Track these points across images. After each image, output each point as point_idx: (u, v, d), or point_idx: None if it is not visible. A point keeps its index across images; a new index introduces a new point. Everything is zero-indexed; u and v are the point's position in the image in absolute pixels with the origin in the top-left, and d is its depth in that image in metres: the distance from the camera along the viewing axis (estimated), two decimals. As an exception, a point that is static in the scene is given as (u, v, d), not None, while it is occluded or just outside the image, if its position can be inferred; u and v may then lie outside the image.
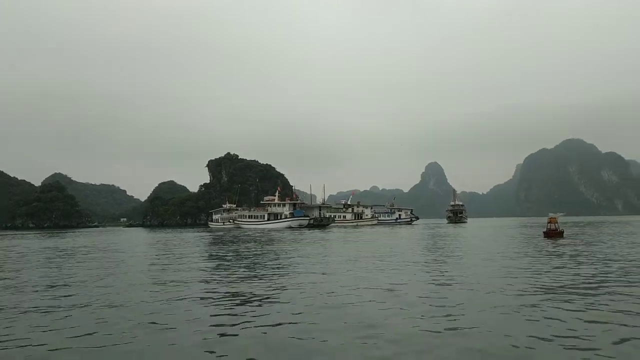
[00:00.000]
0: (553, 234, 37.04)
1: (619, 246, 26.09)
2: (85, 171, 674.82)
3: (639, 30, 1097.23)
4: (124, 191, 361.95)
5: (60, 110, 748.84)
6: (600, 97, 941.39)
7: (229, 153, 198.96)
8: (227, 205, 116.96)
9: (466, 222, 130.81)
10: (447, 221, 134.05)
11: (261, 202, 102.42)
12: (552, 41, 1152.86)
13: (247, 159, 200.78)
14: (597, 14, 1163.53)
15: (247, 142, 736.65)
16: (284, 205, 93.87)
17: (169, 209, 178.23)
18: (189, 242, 41.81)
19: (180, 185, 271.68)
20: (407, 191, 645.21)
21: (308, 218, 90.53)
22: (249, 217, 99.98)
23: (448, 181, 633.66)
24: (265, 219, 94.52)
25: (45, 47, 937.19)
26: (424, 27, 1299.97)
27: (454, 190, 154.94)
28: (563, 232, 38.02)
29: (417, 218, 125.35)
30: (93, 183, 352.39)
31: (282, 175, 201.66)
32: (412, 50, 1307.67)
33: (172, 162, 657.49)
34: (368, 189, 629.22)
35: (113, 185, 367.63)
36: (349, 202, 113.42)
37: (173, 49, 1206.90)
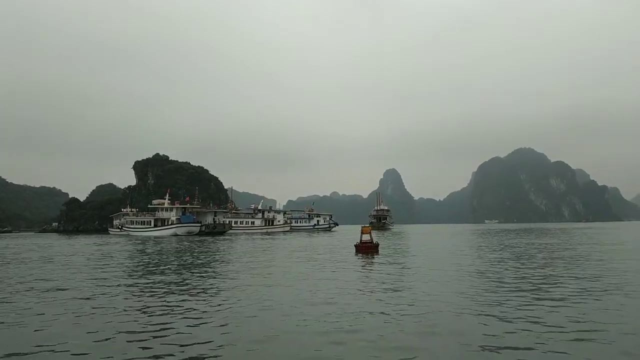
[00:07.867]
0: (365, 248, 30.66)
1: (418, 272, 19.03)
2: (27, 172, 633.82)
3: (587, 45, 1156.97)
4: (66, 194, 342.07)
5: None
6: (551, 109, 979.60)
7: (157, 154, 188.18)
8: (127, 210, 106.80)
9: (391, 228, 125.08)
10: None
11: (149, 205, 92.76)
12: (507, 57, 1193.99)
13: (179, 161, 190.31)
14: (549, 28, 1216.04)
15: (203, 146, 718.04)
16: (171, 210, 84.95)
17: (86, 213, 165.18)
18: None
19: (121, 188, 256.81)
20: (366, 197, 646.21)
21: (199, 224, 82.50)
22: (135, 223, 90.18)
23: (405, 187, 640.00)
24: (152, 225, 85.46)
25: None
26: (386, 35, 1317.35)
27: (379, 194, 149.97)
28: (378, 245, 31.74)
29: (337, 224, 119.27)
30: (32, 185, 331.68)
31: (216, 178, 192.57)
32: (376, 56, 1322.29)
33: (122, 164, 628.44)
34: (328, 194, 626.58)
35: (54, 187, 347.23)
36: (259, 207, 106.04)
37: (140, 49, 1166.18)
